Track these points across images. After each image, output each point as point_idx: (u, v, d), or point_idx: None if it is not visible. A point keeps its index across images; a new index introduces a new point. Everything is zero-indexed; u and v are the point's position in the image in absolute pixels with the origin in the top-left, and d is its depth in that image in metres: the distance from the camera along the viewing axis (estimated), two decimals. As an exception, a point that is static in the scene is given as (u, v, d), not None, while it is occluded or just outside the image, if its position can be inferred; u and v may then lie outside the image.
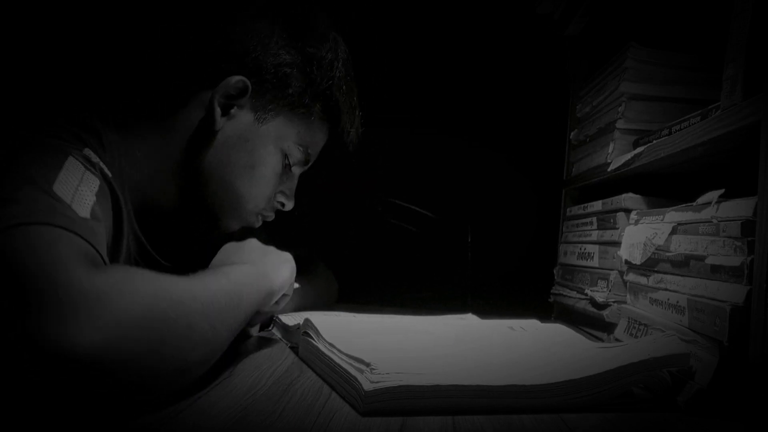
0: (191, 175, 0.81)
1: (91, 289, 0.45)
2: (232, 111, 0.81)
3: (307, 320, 0.74)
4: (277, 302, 0.80)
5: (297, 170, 0.91)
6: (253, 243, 0.80)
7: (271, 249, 0.80)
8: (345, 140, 0.92)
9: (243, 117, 0.82)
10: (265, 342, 0.84)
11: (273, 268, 0.76)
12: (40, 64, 1.04)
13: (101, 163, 0.70)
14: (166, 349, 0.48)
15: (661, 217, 0.75)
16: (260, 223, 0.91)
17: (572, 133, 1.20)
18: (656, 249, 0.73)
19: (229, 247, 0.79)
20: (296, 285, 0.88)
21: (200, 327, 0.52)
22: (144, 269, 0.52)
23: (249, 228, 0.90)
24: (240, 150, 0.82)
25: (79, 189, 0.60)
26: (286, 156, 0.86)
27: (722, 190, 0.64)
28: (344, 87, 0.88)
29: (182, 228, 0.88)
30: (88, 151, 0.69)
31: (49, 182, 0.57)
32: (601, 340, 0.91)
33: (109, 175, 0.71)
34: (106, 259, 0.58)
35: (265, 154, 0.84)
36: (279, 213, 0.93)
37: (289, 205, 0.93)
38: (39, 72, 1.03)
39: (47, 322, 0.43)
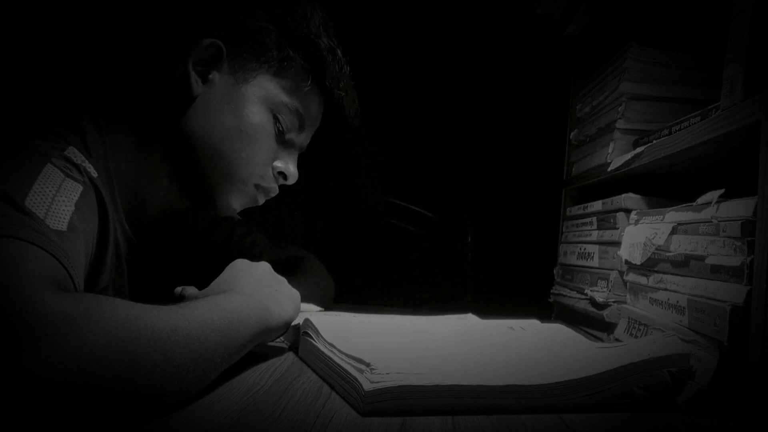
0: (179, 150, 0.80)
1: (54, 314, 0.43)
2: (210, 76, 0.79)
3: (306, 320, 0.74)
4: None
5: (294, 138, 0.87)
6: (265, 266, 0.72)
7: (283, 280, 0.73)
8: (338, 101, 0.88)
9: (222, 80, 0.80)
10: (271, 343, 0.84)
11: (278, 304, 0.68)
12: (16, 57, 1.03)
13: (85, 163, 0.68)
14: (137, 381, 0.45)
15: (661, 217, 0.75)
16: (263, 200, 0.88)
17: (572, 133, 1.20)
18: (656, 249, 0.73)
19: (240, 265, 0.70)
20: (315, 308, 0.84)
21: (179, 361, 0.48)
22: (117, 299, 0.49)
23: (242, 220, 0.88)
24: (223, 113, 0.80)
25: (56, 200, 0.58)
26: (276, 119, 0.84)
27: (722, 190, 0.64)
28: (325, 38, 0.85)
29: (172, 220, 0.86)
30: (71, 151, 0.67)
31: (21, 195, 0.55)
32: (601, 340, 0.91)
33: (95, 175, 0.69)
34: (77, 279, 0.56)
35: (251, 114, 0.81)
36: (280, 210, 0.91)
37: (291, 177, 0.88)
38: (16, 65, 1.03)
39: (2, 345, 0.41)
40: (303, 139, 0.89)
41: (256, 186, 0.85)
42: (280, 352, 0.78)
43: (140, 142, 0.79)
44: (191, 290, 0.69)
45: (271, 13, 0.82)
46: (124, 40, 0.84)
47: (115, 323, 0.45)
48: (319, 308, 0.83)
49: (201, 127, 0.79)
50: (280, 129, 0.84)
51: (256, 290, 0.66)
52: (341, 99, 0.89)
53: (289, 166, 0.88)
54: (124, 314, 0.47)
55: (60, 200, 0.59)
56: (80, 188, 0.63)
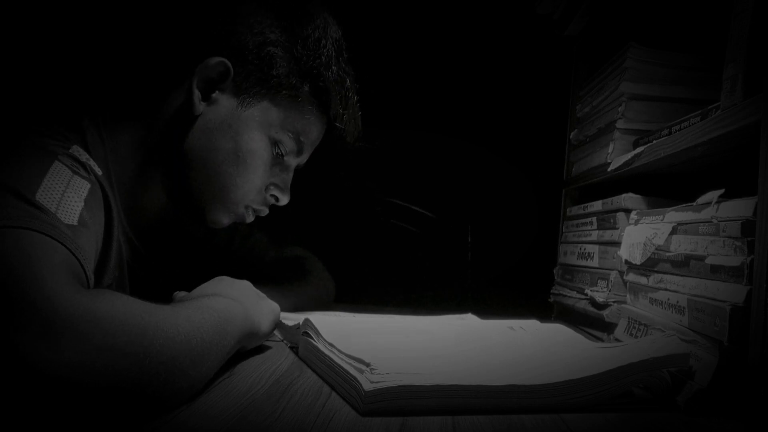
0: (175, 165, 0.79)
1: (75, 311, 0.43)
2: (214, 95, 0.78)
3: (306, 320, 0.74)
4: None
5: (291, 161, 0.86)
6: (246, 284, 0.73)
7: (263, 296, 0.74)
8: (340, 129, 0.88)
9: (225, 101, 0.79)
10: (265, 342, 0.84)
11: (259, 314, 0.69)
12: (20, 62, 1.03)
13: (90, 161, 0.69)
14: (145, 380, 0.46)
15: (661, 217, 0.75)
16: (252, 218, 0.88)
17: (572, 133, 1.20)
18: (656, 249, 0.73)
19: (223, 280, 0.71)
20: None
21: (182, 360, 0.49)
22: (129, 296, 0.50)
23: (242, 223, 0.88)
24: (223, 136, 0.79)
25: (66, 195, 0.58)
26: (276, 144, 0.83)
27: (722, 190, 0.64)
28: (334, 68, 0.84)
29: (172, 224, 0.86)
30: (76, 149, 0.67)
31: (31, 191, 0.55)
32: (601, 340, 0.91)
33: (99, 173, 0.70)
34: (90, 273, 0.56)
35: (250, 140, 0.80)
36: (279, 211, 0.91)
37: (284, 200, 0.89)
38: (20, 70, 1.03)
39: (24, 337, 0.41)
40: (301, 159, 0.89)
41: (246, 207, 0.85)
42: (280, 352, 0.78)
43: (137, 150, 0.78)
44: (182, 295, 0.69)
45: (283, 37, 0.80)
46: (130, 47, 0.83)
47: (131, 322, 0.46)
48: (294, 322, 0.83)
49: (198, 148, 0.79)
50: (278, 153, 0.84)
51: (238, 298, 0.67)
52: (343, 128, 0.88)
53: (283, 194, 0.88)
54: (139, 313, 0.48)
55: (69, 196, 0.59)
56: (88, 185, 0.63)
